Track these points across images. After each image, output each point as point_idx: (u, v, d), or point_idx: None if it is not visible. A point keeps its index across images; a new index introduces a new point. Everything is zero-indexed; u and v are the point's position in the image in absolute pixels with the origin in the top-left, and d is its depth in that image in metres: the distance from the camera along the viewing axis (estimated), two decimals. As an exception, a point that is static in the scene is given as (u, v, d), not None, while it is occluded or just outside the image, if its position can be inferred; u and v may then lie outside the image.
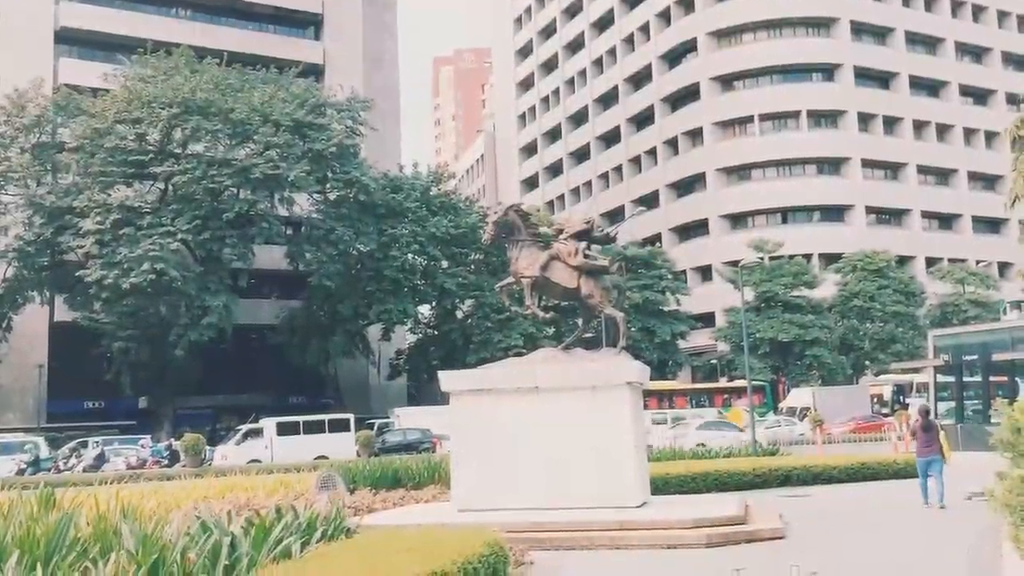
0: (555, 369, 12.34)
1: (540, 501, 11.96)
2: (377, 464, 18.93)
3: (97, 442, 37.05)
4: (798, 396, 51.56)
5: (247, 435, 36.77)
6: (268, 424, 37.03)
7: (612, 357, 12.59)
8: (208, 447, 36.69)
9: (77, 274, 43.83)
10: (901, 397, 52.94)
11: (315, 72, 62.74)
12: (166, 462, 33.68)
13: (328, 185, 48.87)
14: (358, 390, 62.31)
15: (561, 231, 13.23)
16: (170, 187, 45.80)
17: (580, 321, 14.34)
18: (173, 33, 57.81)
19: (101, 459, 32.76)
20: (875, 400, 53.28)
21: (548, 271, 12.80)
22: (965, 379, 30.17)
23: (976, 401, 29.32)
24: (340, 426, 38.43)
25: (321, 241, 48.52)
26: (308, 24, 67.40)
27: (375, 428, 43.99)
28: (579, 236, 12.99)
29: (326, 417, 39.43)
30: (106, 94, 47.18)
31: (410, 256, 50.42)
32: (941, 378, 29.62)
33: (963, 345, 27.44)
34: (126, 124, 44.53)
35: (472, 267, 55.02)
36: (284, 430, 36.43)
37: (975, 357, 26.26)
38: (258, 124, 45.42)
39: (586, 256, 12.70)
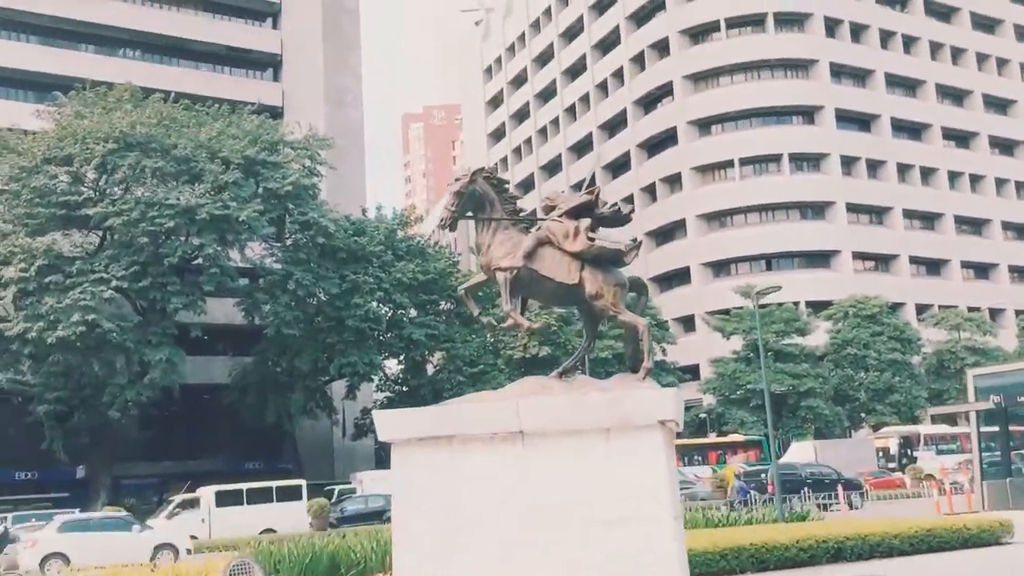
0: (548, 404, 8.15)
1: (528, 607, 7.77)
2: (307, 546, 14.46)
3: (3, 519, 32.11)
4: (799, 451, 47.41)
5: (181, 506, 32.01)
6: (205, 493, 32.23)
7: (633, 385, 8.47)
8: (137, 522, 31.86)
9: (-3, 328, 39.22)
10: (909, 451, 48.96)
11: (274, 114, 59.03)
12: (83, 540, 28.86)
13: (285, 227, 44.73)
14: (320, 453, 57.50)
15: (553, 207, 9.22)
16: (106, 231, 41.49)
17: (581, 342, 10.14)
18: (118, 73, 53.88)
19: (4, 540, 27.95)
20: (880, 454, 49.23)
21: (535, 260, 8.73)
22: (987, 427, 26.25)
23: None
24: (290, 494, 33.68)
25: (276, 288, 44.21)
26: (266, 65, 63.99)
27: (335, 495, 39.31)
28: (579, 213, 8.99)
29: (274, 484, 34.63)
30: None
31: (374, 304, 46.21)
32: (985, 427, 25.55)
33: (1014, 385, 23.49)
34: (56, 162, 40.34)
35: (442, 317, 50.85)
36: (224, 500, 31.65)
37: (1032, 398, 22.32)
38: (204, 161, 41.38)
39: (590, 239, 8.67)
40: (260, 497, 32.77)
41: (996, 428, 24.81)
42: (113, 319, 39.17)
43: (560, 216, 9.01)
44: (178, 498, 33.29)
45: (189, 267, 42.66)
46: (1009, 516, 17.44)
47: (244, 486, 32.97)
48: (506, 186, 9.19)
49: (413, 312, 49.11)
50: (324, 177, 49.80)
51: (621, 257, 8.98)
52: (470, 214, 8.96)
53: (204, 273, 42.40)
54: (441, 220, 9.13)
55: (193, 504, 32.07)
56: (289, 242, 46.65)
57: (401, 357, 51.57)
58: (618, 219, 9.55)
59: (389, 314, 48.45)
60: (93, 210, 39.72)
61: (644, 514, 7.79)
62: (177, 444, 55.89)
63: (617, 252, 8.90)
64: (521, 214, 9.20)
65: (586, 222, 8.87)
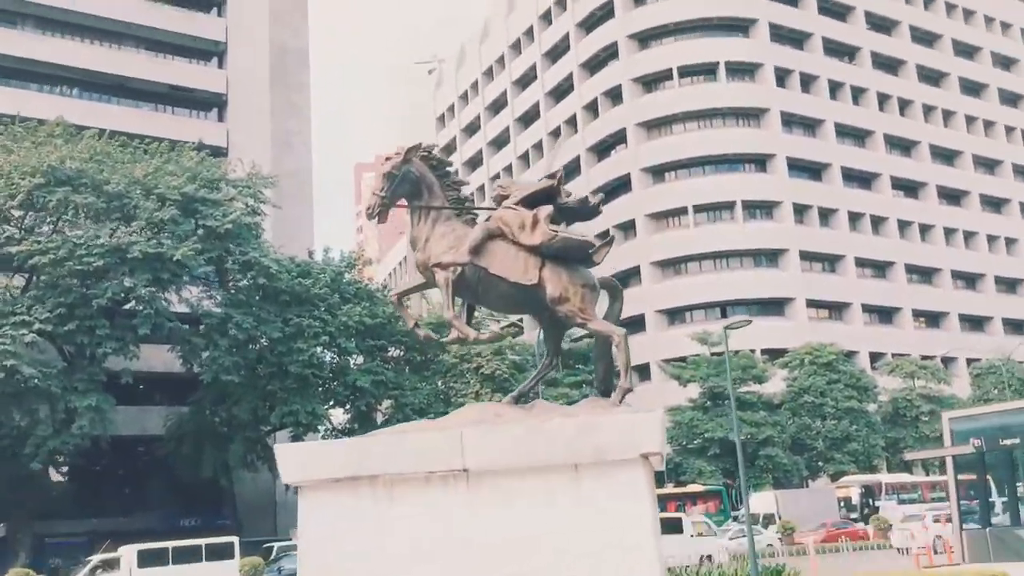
0: (501, 435, 6.42)
1: None
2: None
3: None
4: (760, 501, 45.94)
5: (98, 568, 29.35)
6: (127, 552, 29.57)
7: (606, 409, 6.81)
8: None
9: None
10: (871, 500, 47.73)
11: (218, 154, 57.01)
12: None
13: (224, 268, 42.55)
14: (262, 508, 54.68)
15: (506, 196, 7.59)
16: (32, 271, 39.04)
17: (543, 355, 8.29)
18: (55, 111, 51.31)
19: None
20: (842, 503, 47.94)
21: (484, 256, 7.07)
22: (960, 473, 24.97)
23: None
24: (222, 552, 31.13)
25: (215, 332, 41.88)
26: (210, 105, 62.12)
27: (273, 552, 36.79)
28: (537, 203, 7.38)
29: (203, 542, 32.04)
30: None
31: (318, 349, 44.03)
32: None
33: (992, 428, 22.20)
34: (-24, 199, 37.98)
35: (391, 364, 48.80)
36: (148, 560, 28.99)
37: (1015, 441, 21.00)
38: (139, 198, 39.26)
39: (552, 230, 7.04)
40: (188, 556, 30.15)
41: (973, 475, 23.48)
42: (35, 364, 36.58)
43: (516, 204, 7.39)
44: (95, 558, 30.58)
45: (120, 310, 40.24)
46: (1002, 569, 15.96)
47: (170, 544, 30.38)
48: (448, 168, 7.55)
49: (360, 359, 47.04)
50: (268, 217, 47.83)
51: (589, 253, 7.37)
52: (403, 201, 7.32)
53: (137, 316, 39.99)
54: (368, 208, 7.46)
55: (113, 565, 29.41)
56: (229, 283, 44.44)
57: (347, 406, 49.31)
58: (584, 211, 7.98)
59: (334, 360, 46.31)
60: (16, 249, 37.30)
61: (625, 572, 6.06)
62: (108, 500, 52.74)
63: (584, 245, 7.29)
64: (467, 203, 7.57)
65: (547, 210, 7.26)
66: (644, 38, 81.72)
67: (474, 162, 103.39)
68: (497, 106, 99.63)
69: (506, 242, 7.14)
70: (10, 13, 56.54)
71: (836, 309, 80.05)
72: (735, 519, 47.10)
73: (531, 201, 7.43)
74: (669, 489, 54.71)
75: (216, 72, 62.02)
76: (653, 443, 6.25)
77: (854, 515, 46.52)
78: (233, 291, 43.78)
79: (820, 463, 62.72)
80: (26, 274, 40.95)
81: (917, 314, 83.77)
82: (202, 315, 43.58)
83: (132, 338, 40.31)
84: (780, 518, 43.06)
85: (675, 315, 76.98)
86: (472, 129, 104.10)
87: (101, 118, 53.50)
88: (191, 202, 40.70)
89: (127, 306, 40.93)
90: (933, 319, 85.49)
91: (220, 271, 43.25)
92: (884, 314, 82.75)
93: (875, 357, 76.93)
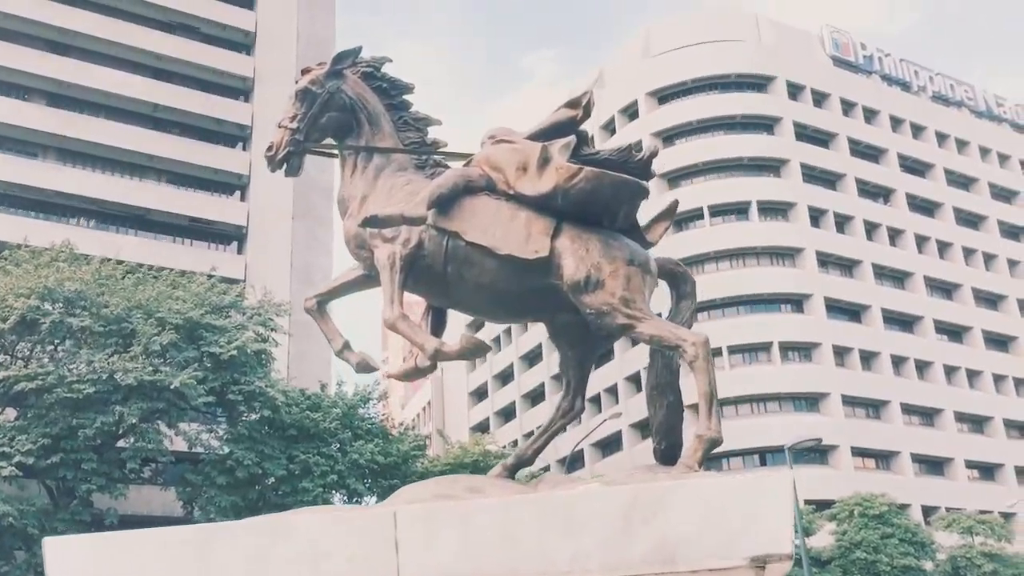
0: (471, 520, 3.32)
1: None
2: None
3: None
4: (815, 671, 40.64)
5: None
6: None
7: (677, 474, 3.71)
8: None
9: None
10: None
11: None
12: None
13: (226, 398, 39.54)
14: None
15: (505, 141, 4.68)
16: (18, 400, 36.26)
17: (564, 388, 5.09)
18: (71, 242, 50.12)
19: None
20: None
21: (457, 216, 4.07)
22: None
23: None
24: None
25: (214, 469, 38.54)
26: (230, 238, 60.78)
27: None
28: (550, 136, 4.46)
29: None
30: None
31: (324, 490, 40.39)
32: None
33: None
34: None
35: (404, 508, 44.91)
36: None
37: None
38: (139, 322, 36.76)
39: (581, 157, 4.01)
40: None
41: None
42: (12, 501, 33.32)
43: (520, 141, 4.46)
44: None
45: (110, 443, 37.10)
46: None
47: None
48: (405, 96, 4.63)
49: (372, 500, 43.29)
50: (284, 353, 45.38)
51: (639, 194, 4.35)
52: (329, 141, 4.44)
53: (128, 449, 36.85)
54: (269, 148, 4.61)
55: None
56: (234, 417, 41.34)
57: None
58: (627, 170, 4.95)
59: (344, 502, 42.57)
60: (3, 374, 34.65)
61: None
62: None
63: (628, 191, 4.29)
64: (429, 147, 4.62)
65: (564, 140, 4.32)
66: (673, 177, 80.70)
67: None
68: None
69: (496, 198, 4.20)
70: (32, 144, 56.21)
71: (883, 458, 75.33)
72: None
73: (547, 132, 4.49)
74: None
75: (238, 205, 60.99)
76: (775, 537, 3.11)
77: None
78: (234, 424, 40.64)
79: (876, 629, 56.87)
80: (17, 407, 38.24)
81: (970, 464, 78.69)
82: (203, 449, 40.34)
83: (120, 475, 37.02)
84: None
85: (710, 464, 71.65)
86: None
87: (117, 249, 51.84)
88: (195, 328, 38.11)
89: (120, 441, 37.84)
90: (987, 471, 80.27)
91: (223, 402, 40.22)
92: (934, 464, 77.75)
93: (928, 511, 71.61)
